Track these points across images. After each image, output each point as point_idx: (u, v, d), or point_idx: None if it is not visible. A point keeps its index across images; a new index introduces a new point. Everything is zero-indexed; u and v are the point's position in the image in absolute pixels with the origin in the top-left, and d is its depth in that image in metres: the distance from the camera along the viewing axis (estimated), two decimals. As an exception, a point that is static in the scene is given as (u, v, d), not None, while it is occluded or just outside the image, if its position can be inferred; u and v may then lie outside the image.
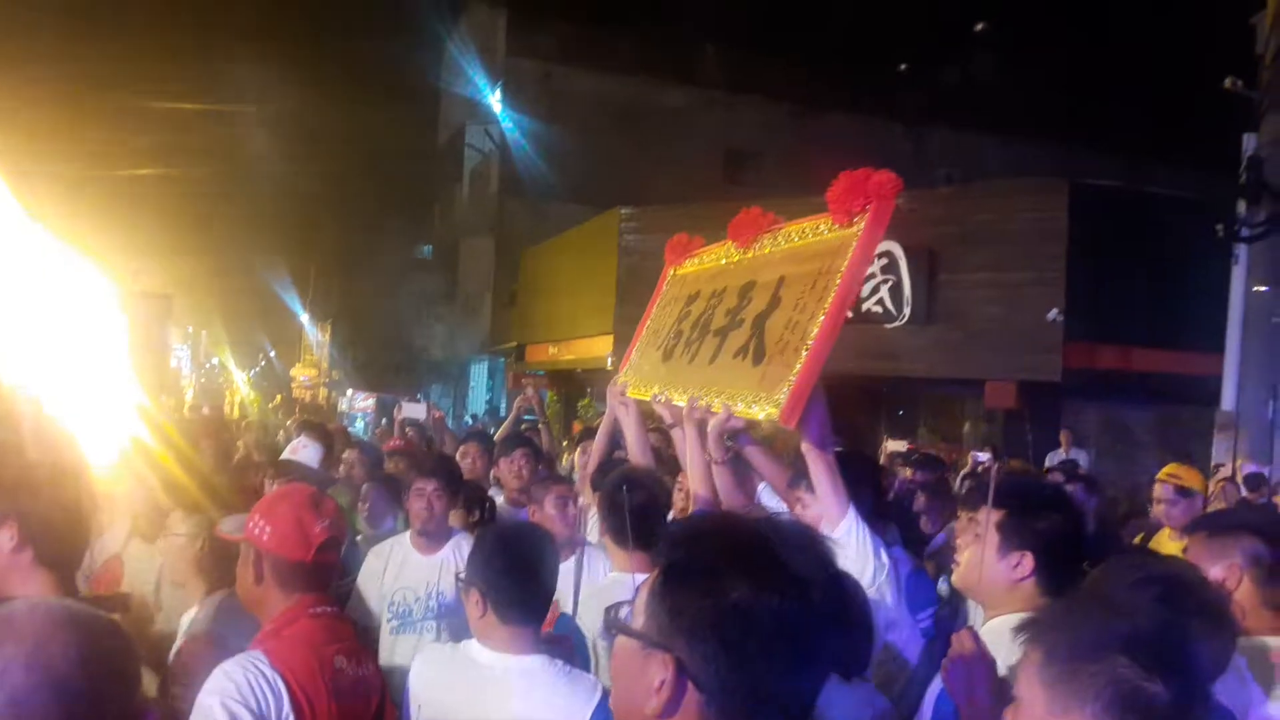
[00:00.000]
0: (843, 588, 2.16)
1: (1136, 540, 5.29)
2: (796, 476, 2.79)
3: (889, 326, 12.86)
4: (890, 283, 12.81)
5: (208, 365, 55.09)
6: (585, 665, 2.72)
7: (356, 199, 34.21)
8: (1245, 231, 10.89)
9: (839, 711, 2.12)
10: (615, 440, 3.79)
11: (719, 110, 24.32)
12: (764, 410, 2.47)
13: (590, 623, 2.90)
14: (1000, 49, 26.02)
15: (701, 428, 2.79)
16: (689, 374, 3.06)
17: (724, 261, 3.33)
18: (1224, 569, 2.40)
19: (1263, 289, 10.97)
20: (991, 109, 25.56)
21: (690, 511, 3.03)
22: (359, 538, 4.52)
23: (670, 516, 3.21)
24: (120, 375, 3.52)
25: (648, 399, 3.23)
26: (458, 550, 3.72)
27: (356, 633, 2.57)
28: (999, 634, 1.86)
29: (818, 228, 2.74)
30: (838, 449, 2.66)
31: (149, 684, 2.16)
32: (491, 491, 4.97)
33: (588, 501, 3.81)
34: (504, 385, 25.10)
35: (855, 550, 2.46)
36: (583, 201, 20.34)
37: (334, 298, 40.19)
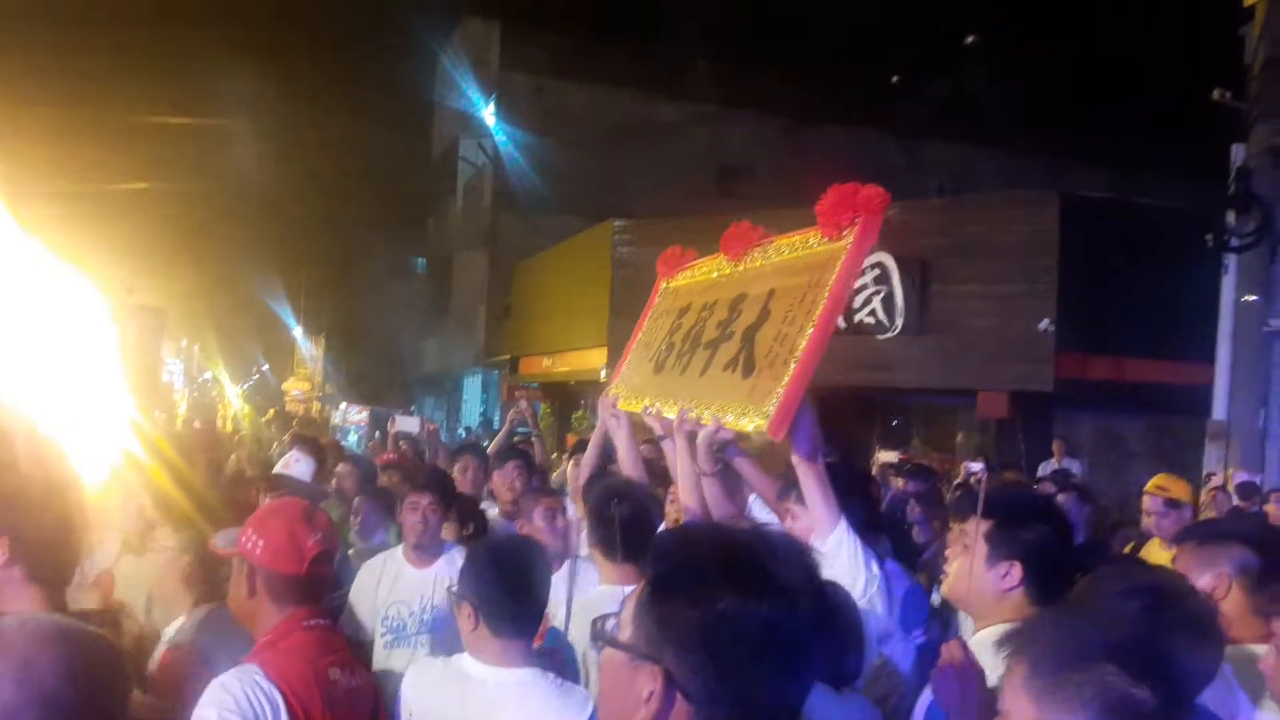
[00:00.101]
0: (831, 597, 2.18)
1: (1126, 549, 5.30)
2: (786, 488, 2.80)
3: (881, 337, 12.89)
4: (883, 294, 12.85)
5: (201, 379, 54.92)
6: (576, 678, 2.72)
7: (350, 212, 34.25)
8: (1234, 242, 10.94)
9: (830, 722, 2.13)
10: (609, 453, 3.80)
11: (712, 124, 24.41)
12: (753, 422, 2.48)
13: (580, 636, 2.90)
14: (992, 62, 26.18)
15: (691, 439, 2.80)
16: (680, 386, 3.08)
17: (715, 275, 3.35)
18: (1213, 577, 2.41)
19: (1252, 299, 11.01)
20: (983, 122, 25.69)
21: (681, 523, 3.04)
22: (351, 551, 4.52)
23: (662, 528, 3.21)
24: (113, 389, 3.52)
25: (639, 411, 3.24)
26: (451, 564, 3.71)
27: (349, 646, 2.57)
28: (988, 644, 1.86)
29: (807, 241, 2.76)
30: (829, 460, 2.67)
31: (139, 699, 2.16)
32: (485, 504, 4.97)
33: (579, 515, 3.81)
34: (498, 398, 25.07)
35: (846, 561, 2.47)
36: (576, 214, 20.39)
37: (327, 311, 40.15)
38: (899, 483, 7.72)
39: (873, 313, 12.91)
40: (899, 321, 12.78)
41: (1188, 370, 11.82)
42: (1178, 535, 3.09)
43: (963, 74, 27.09)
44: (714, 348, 2.98)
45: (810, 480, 2.50)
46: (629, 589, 1.29)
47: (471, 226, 26.92)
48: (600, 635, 1.20)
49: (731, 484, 3.05)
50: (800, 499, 2.61)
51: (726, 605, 1.10)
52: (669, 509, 4.00)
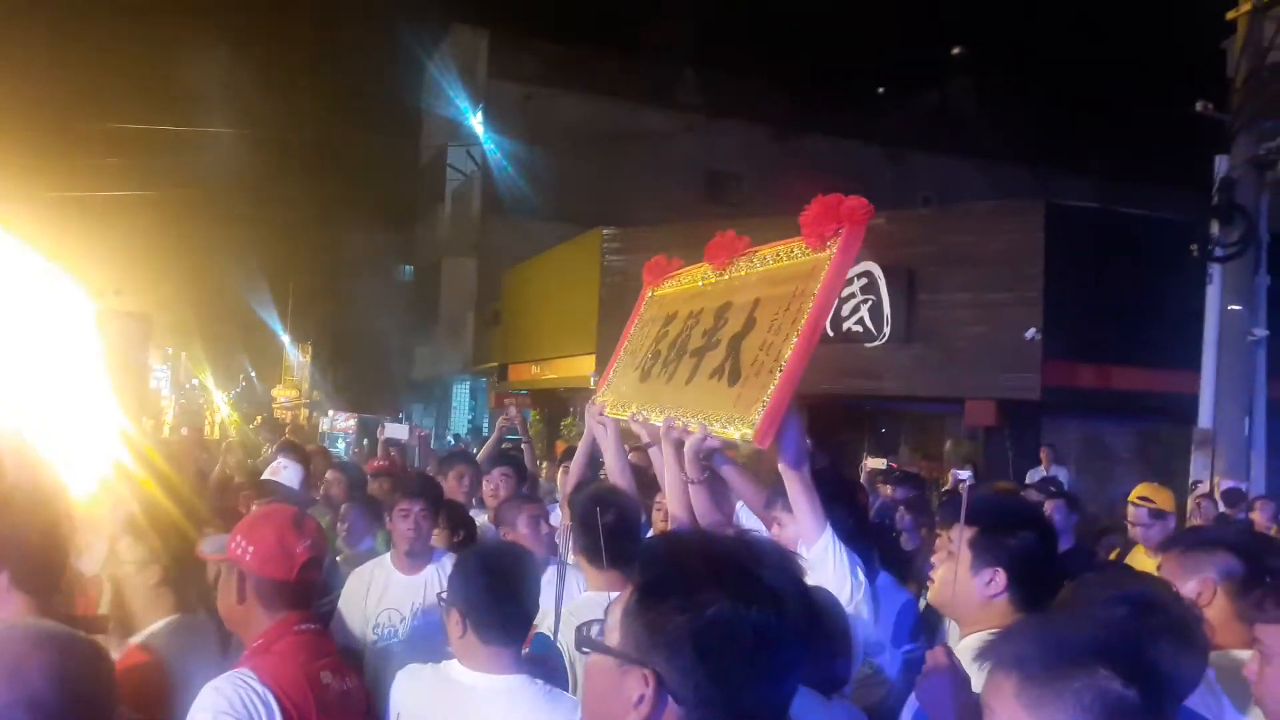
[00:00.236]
0: (818, 602, 2.18)
1: (1111, 556, 5.33)
2: (773, 496, 2.81)
3: (869, 346, 12.93)
4: (870, 302, 12.90)
5: (188, 386, 54.67)
6: (565, 685, 2.72)
7: (338, 220, 34.16)
8: (1219, 251, 11.02)
9: (818, 729, 2.13)
10: (599, 460, 3.80)
11: (700, 133, 24.50)
12: (739, 431, 2.50)
13: (568, 642, 2.90)
14: (978, 73, 26.40)
15: (678, 448, 2.81)
16: (666, 394, 3.09)
17: (701, 283, 3.36)
18: (1198, 583, 2.43)
19: (1237, 308, 11.10)
20: (969, 132, 25.89)
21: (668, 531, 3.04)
22: (339, 558, 4.51)
23: (649, 535, 3.22)
24: (99, 397, 3.51)
25: (625, 418, 3.25)
26: (441, 570, 3.71)
27: (339, 651, 2.57)
28: (974, 650, 1.87)
29: (792, 251, 2.78)
30: (817, 467, 2.68)
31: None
32: (474, 511, 4.96)
33: (567, 522, 3.82)
34: (486, 405, 25.05)
35: (832, 569, 2.48)
36: (564, 222, 20.41)
37: (315, 318, 40.01)
38: (886, 490, 7.76)
39: (860, 321, 12.96)
40: (886, 330, 12.83)
41: (1174, 378, 11.89)
42: (1163, 543, 3.11)
43: (949, 85, 27.32)
44: (700, 356, 2.99)
45: (797, 488, 2.51)
46: (615, 595, 1.30)
47: (460, 234, 26.91)
48: (586, 641, 1.21)
49: (718, 492, 3.06)
50: (787, 507, 2.62)
51: (716, 610, 1.11)
52: (656, 518, 4.01)
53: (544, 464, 9.21)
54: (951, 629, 2.80)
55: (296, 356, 44.05)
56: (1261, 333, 11.28)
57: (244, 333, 47.00)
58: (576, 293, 17.24)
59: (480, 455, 6.03)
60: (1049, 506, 5.47)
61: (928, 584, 2.37)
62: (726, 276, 3.16)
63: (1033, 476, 10.58)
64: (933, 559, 2.35)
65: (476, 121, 24.73)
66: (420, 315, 29.87)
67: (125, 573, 2.61)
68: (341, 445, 23.41)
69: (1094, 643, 1.35)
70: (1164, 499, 4.98)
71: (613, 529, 2.71)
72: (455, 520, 4.42)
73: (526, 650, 2.53)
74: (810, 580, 2.33)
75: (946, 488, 9.75)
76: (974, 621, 2.19)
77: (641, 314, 3.78)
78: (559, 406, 19.82)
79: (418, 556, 3.82)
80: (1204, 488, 10.20)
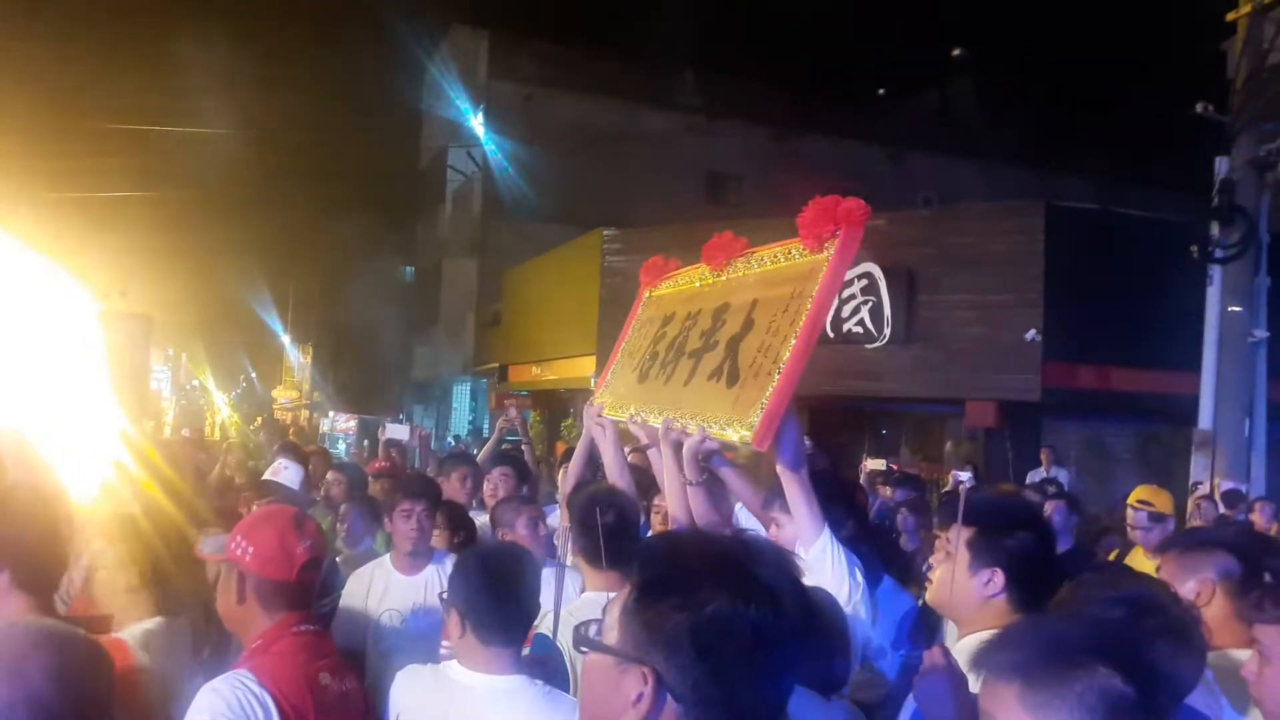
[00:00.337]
0: (815, 602, 2.19)
1: (1111, 556, 5.33)
2: (771, 497, 2.81)
3: (869, 347, 12.94)
4: (870, 304, 12.91)
5: (189, 387, 54.70)
6: (566, 686, 2.73)
7: (338, 221, 34.19)
8: (1219, 253, 11.03)
9: (816, 729, 2.14)
10: (598, 461, 3.81)
11: (700, 134, 24.53)
12: (738, 433, 2.50)
13: (568, 643, 2.90)
14: (978, 74, 26.40)
15: (677, 449, 2.81)
16: (664, 395, 3.09)
17: (698, 284, 3.36)
18: (1197, 583, 2.44)
19: (1237, 309, 11.10)
20: (969, 133, 25.88)
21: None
22: (339, 558, 4.51)
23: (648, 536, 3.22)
24: (100, 398, 3.51)
25: (624, 419, 3.25)
26: (440, 570, 3.72)
27: (339, 652, 2.57)
28: (972, 651, 1.88)
29: (789, 252, 2.78)
30: (817, 469, 2.69)
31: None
32: (474, 512, 4.96)
33: (565, 524, 3.82)
34: (487, 406, 25.05)
35: (830, 570, 2.48)
36: (565, 223, 20.43)
37: (315, 319, 40.05)
38: (886, 492, 7.76)
39: (861, 322, 12.97)
40: (887, 331, 12.84)
41: (1174, 380, 11.89)
42: (1162, 544, 3.11)
43: (949, 86, 27.32)
44: (698, 357, 2.99)
45: (795, 489, 2.51)
46: (614, 595, 1.30)
47: (460, 235, 26.93)
48: (584, 640, 1.22)
49: (717, 493, 3.07)
50: (785, 508, 2.62)
51: (714, 608, 1.12)
52: (654, 519, 4.01)
53: (539, 466, 9.20)
54: (950, 629, 2.80)
55: (297, 357, 44.09)
56: (1261, 334, 11.30)
57: (244, 334, 47.07)
58: (577, 293, 17.25)
59: (480, 456, 6.04)
60: (1049, 507, 5.47)
61: (926, 584, 2.37)
62: (724, 277, 3.16)
63: (1033, 478, 10.59)
64: (931, 559, 2.36)
65: (477, 122, 24.75)
66: (421, 316, 29.89)
67: (101, 576, 2.59)
68: (342, 446, 23.41)
69: (1093, 643, 1.35)
70: (1163, 501, 4.98)
71: (612, 529, 2.71)
72: (455, 521, 4.42)
73: (527, 651, 2.53)
74: (808, 581, 2.34)
75: (946, 489, 9.75)
76: (972, 622, 2.19)
77: (639, 314, 3.78)
78: (559, 407, 19.83)
79: (418, 557, 3.83)
80: (1204, 489, 10.20)
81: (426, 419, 29.99)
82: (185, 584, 2.74)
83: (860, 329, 12.96)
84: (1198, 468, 11.06)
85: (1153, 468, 13.10)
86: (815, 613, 2.11)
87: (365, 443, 21.23)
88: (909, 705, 2.12)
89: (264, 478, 5.17)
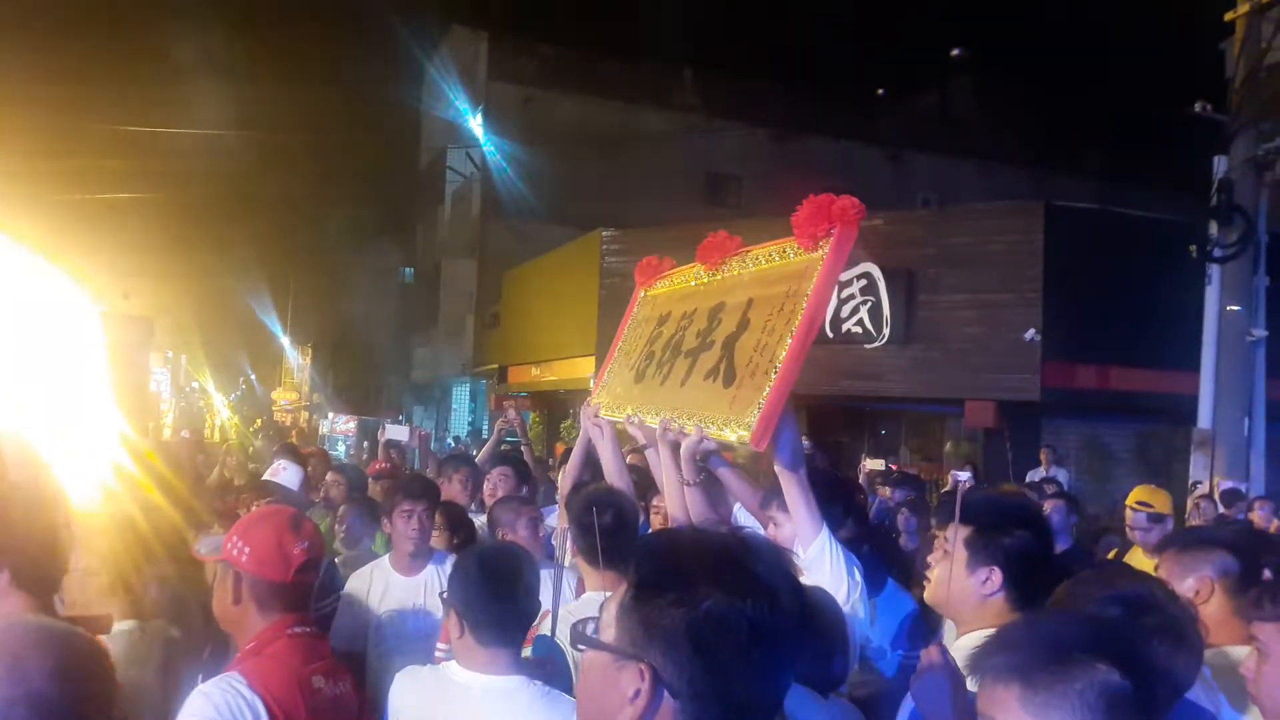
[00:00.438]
0: (812, 600, 2.19)
1: (1110, 555, 5.33)
2: (769, 496, 2.82)
3: (869, 347, 12.95)
4: (870, 304, 12.92)
5: (188, 389, 54.71)
6: (568, 687, 2.73)
7: (338, 222, 34.21)
8: (1218, 252, 11.04)
9: (814, 728, 2.14)
10: (596, 461, 3.81)
11: (699, 134, 24.53)
12: (735, 433, 2.50)
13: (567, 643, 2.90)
14: (977, 75, 26.43)
15: (675, 449, 2.81)
16: (661, 395, 3.09)
17: (693, 283, 3.37)
18: (1196, 580, 2.44)
19: (1236, 308, 11.11)
20: (968, 133, 25.90)
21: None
22: (338, 559, 4.51)
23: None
24: (100, 399, 3.51)
25: (621, 420, 3.26)
26: (441, 571, 3.72)
27: (338, 655, 2.56)
28: (971, 650, 1.88)
29: (784, 251, 2.78)
30: (816, 468, 2.69)
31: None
32: (474, 514, 4.96)
33: (563, 525, 3.82)
34: (486, 407, 25.06)
35: (829, 569, 2.49)
36: (564, 224, 20.43)
37: (315, 321, 40.07)
38: (885, 492, 7.76)
39: (860, 322, 12.97)
40: (886, 331, 12.85)
41: (1173, 379, 11.90)
42: (1161, 543, 3.12)
43: (949, 86, 27.34)
44: (694, 357, 3.00)
45: (793, 489, 2.51)
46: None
47: (459, 236, 26.94)
48: (582, 638, 1.22)
49: (715, 493, 3.07)
50: (783, 506, 2.62)
51: (711, 604, 1.12)
52: (654, 520, 4.02)
53: (540, 466, 9.19)
54: (948, 628, 2.80)
55: (296, 359, 44.09)
56: (1260, 333, 11.30)
57: (244, 336, 47.08)
58: (576, 294, 17.25)
59: (479, 457, 6.04)
60: (1048, 507, 5.47)
61: (924, 583, 2.38)
62: (719, 277, 3.17)
63: (1032, 477, 10.59)
64: (929, 558, 2.36)
65: (476, 124, 24.76)
66: (420, 317, 29.91)
67: (71, 580, 2.58)
68: (342, 448, 23.40)
69: (1090, 640, 1.35)
70: (1162, 502, 4.98)
71: (611, 529, 2.71)
72: (454, 522, 4.42)
73: (528, 651, 2.54)
74: (807, 581, 2.34)
75: (946, 489, 9.75)
76: (971, 620, 2.19)
77: (634, 314, 3.79)
78: (559, 408, 19.83)
79: (418, 558, 3.83)
80: (1203, 488, 10.21)
81: (426, 420, 30.00)
82: (185, 585, 2.75)
83: (860, 329, 12.96)
84: (1197, 467, 11.07)
85: (1152, 467, 13.11)
86: (813, 611, 2.11)
87: (365, 444, 21.22)
88: (907, 704, 2.13)
89: (263, 478, 5.18)
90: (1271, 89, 11.09)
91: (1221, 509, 8.59)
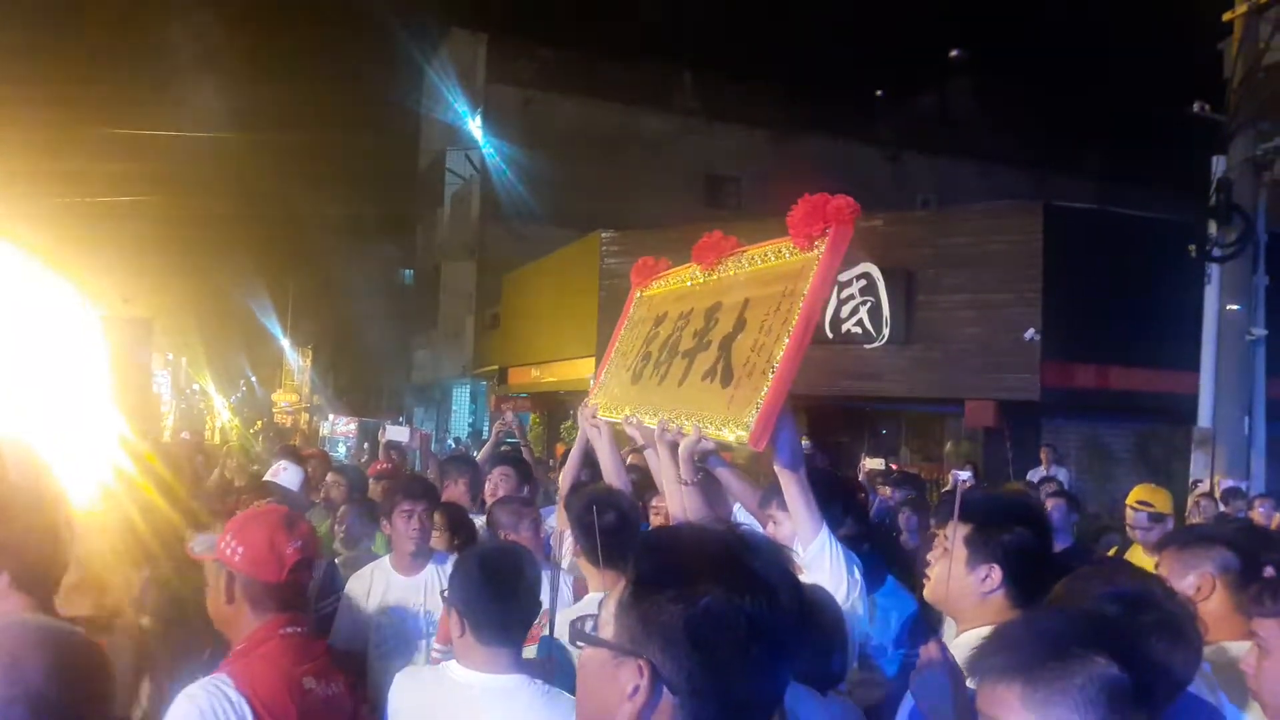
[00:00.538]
0: (811, 597, 2.19)
1: (1110, 553, 5.34)
2: (767, 495, 2.82)
3: (868, 347, 12.96)
4: (869, 304, 12.92)
5: (189, 391, 54.70)
6: (569, 686, 2.73)
7: (337, 224, 34.20)
8: (1217, 252, 11.05)
9: (814, 726, 2.14)
10: (594, 463, 3.81)
11: (698, 135, 24.56)
12: (734, 433, 2.50)
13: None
14: (976, 75, 26.44)
15: (673, 450, 2.82)
16: (659, 396, 3.09)
17: (689, 283, 3.37)
18: (1197, 577, 2.45)
19: (1235, 308, 11.12)
20: (967, 133, 25.91)
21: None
22: (338, 560, 4.51)
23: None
24: (101, 401, 3.52)
25: (619, 420, 3.26)
26: (441, 570, 3.72)
27: (339, 656, 2.56)
28: (970, 647, 1.88)
29: (780, 251, 2.78)
30: (816, 467, 2.69)
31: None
32: (474, 514, 4.96)
33: (562, 526, 3.83)
34: (486, 408, 25.05)
35: (829, 568, 2.49)
36: (564, 225, 20.44)
37: (315, 323, 40.07)
38: (885, 491, 7.77)
39: (860, 323, 12.98)
40: (885, 331, 12.86)
41: (1173, 378, 11.91)
42: (1161, 540, 3.12)
43: (947, 87, 27.36)
44: (691, 357, 3.00)
45: (792, 488, 2.51)
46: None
47: (459, 238, 26.95)
48: (580, 635, 1.22)
49: (714, 493, 3.07)
50: (782, 506, 2.63)
51: (710, 601, 1.12)
52: (654, 520, 4.02)
53: (539, 467, 9.19)
54: (948, 626, 2.80)
55: (296, 361, 44.09)
56: (1260, 332, 11.31)
57: (244, 338, 47.09)
58: (576, 296, 17.26)
59: (479, 459, 6.04)
60: (1049, 505, 5.48)
61: (924, 581, 2.38)
62: (715, 277, 3.17)
63: (1032, 477, 10.59)
64: (929, 556, 2.36)
65: (475, 125, 24.78)
66: (420, 319, 29.91)
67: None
68: (342, 449, 23.38)
69: (1089, 636, 1.35)
70: (1162, 501, 4.99)
71: (611, 529, 2.71)
72: (455, 523, 4.42)
73: (532, 651, 2.54)
74: (806, 579, 2.34)
75: (946, 489, 9.75)
76: (970, 618, 2.19)
77: (631, 315, 3.79)
78: (559, 410, 19.83)
79: (418, 558, 3.83)
80: (1204, 487, 10.21)
81: (426, 421, 29.99)
82: (184, 586, 2.75)
83: (859, 329, 12.97)
84: (1197, 466, 11.07)
85: (1152, 466, 13.12)
86: (812, 608, 2.11)
87: (365, 445, 21.21)
88: (907, 702, 2.13)
89: (263, 479, 5.18)
90: (1270, 89, 11.09)
91: (1222, 507, 8.59)
